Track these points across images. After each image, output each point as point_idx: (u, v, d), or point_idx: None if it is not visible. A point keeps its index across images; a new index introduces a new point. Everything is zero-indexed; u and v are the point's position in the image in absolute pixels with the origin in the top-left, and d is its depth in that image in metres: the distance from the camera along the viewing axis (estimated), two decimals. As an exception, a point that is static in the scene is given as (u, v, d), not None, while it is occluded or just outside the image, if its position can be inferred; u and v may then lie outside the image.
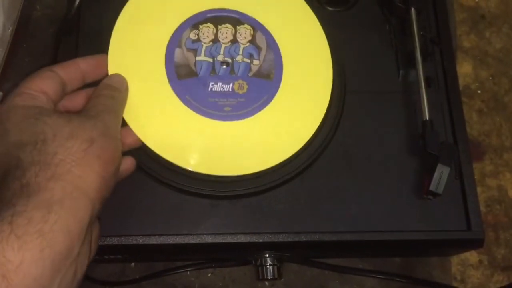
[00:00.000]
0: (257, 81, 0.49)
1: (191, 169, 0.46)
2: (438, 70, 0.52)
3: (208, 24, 0.50)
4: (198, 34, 0.50)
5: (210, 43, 0.50)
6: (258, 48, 0.50)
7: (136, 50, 0.49)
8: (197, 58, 0.49)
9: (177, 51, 0.49)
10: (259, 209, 0.46)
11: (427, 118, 0.47)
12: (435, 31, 0.54)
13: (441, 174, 0.44)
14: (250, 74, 0.50)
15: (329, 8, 0.55)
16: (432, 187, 0.44)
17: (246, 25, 0.51)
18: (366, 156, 0.49)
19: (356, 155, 0.49)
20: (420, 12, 0.51)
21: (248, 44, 0.50)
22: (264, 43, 0.51)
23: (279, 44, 0.51)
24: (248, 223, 0.46)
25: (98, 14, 0.51)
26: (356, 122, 0.50)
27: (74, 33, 0.50)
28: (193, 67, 0.49)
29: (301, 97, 0.50)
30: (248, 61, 0.50)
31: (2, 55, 0.56)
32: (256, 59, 0.50)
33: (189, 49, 0.49)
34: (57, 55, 0.51)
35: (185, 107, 0.48)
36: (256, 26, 0.51)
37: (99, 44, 0.49)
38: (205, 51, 0.49)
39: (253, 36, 0.51)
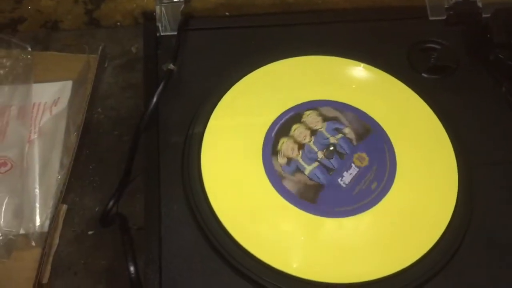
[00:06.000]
0: (365, 142, 0.44)
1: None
2: None
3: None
4: (283, 152, 0.43)
5: (300, 153, 0.44)
6: (335, 119, 0.45)
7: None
8: (306, 173, 0.42)
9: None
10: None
11: None
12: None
13: None
14: (354, 142, 0.44)
15: (426, 76, 0.49)
16: None
17: (306, 112, 0.45)
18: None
19: (501, 241, 0.40)
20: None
21: (325, 124, 0.45)
22: (332, 111, 0.45)
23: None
24: None
25: (177, 107, 0.46)
26: (493, 200, 0.42)
27: (152, 128, 0.45)
28: (311, 182, 0.42)
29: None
30: (340, 135, 0.44)
31: (68, 164, 0.50)
32: (345, 127, 0.44)
33: (292, 173, 0.42)
34: (136, 151, 0.44)
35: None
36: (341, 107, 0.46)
37: (180, 137, 0.44)
38: (304, 162, 0.43)
39: (323, 116, 0.45)
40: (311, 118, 0.45)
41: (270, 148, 0.43)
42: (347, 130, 0.44)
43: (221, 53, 0.49)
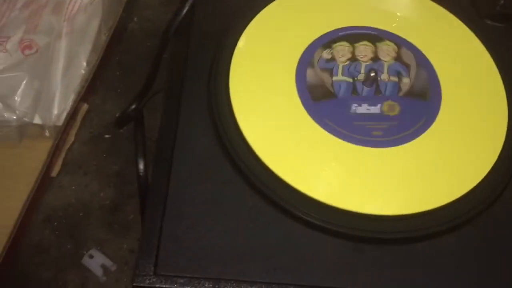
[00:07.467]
0: (410, 101, 0.39)
1: (334, 204, 0.35)
2: None
3: (343, 42, 0.42)
4: (332, 53, 0.41)
5: (347, 62, 0.41)
6: (406, 65, 0.41)
7: (260, 71, 0.40)
8: (334, 78, 0.40)
9: (309, 71, 0.40)
10: (413, 261, 0.34)
11: None
12: None
13: None
14: (401, 94, 0.39)
15: (489, 22, 0.45)
16: None
17: (387, 42, 0.42)
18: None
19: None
20: None
21: (392, 61, 0.41)
22: (413, 59, 0.41)
23: (431, 61, 0.41)
24: (398, 278, 0.34)
25: (212, 16, 0.43)
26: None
27: (183, 34, 0.42)
28: (330, 88, 0.39)
29: (470, 121, 0.39)
30: (396, 79, 0.40)
31: (94, 61, 0.48)
32: (406, 77, 0.40)
33: (323, 69, 0.40)
34: (162, 54, 0.42)
35: (325, 131, 0.37)
36: (400, 42, 0.42)
37: (210, 47, 0.41)
38: (342, 70, 0.40)
39: (398, 53, 0.41)
40: (385, 47, 0.42)
41: (309, 59, 0.40)
42: (405, 80, 0.40)
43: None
